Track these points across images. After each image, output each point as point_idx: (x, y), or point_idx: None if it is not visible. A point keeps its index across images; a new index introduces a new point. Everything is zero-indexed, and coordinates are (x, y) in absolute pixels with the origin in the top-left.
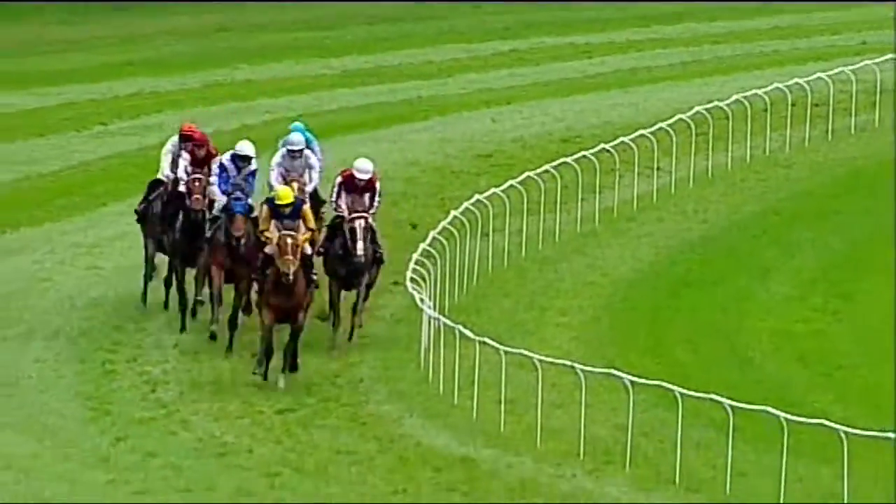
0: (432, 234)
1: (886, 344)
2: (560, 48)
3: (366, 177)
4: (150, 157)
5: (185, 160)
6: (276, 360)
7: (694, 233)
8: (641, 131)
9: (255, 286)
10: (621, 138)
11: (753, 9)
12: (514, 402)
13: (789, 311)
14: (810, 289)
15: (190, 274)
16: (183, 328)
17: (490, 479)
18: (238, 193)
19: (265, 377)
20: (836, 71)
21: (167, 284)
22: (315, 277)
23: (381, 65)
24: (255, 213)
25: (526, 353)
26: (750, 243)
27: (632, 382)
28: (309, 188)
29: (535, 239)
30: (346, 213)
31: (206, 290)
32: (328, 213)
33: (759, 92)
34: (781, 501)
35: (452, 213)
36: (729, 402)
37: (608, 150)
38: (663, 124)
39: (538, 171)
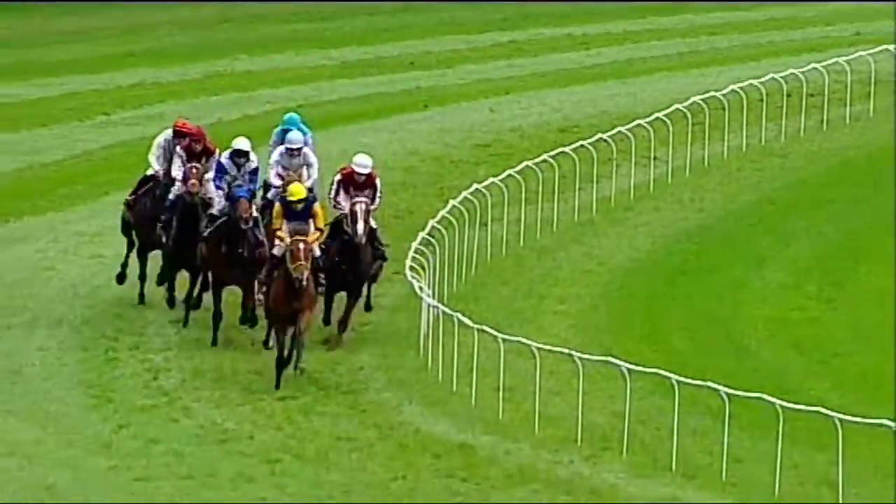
0: (431, 223)
1: (881, 331)
2: (558, 39)
3: (365, 171)
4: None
5: (179, 156)
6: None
7: (690, 222)
8: (638, 121)
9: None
10: (618, 128)
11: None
12: (512, 390)
13: (785, 299)
14: (805, 277)
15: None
16: (185, 323)
17: (488, 466)
18: (240, 182)
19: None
20: (830, 61)
21: (162, 283)
22: (322, 281)
23: (381, 55)
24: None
25: (524, 340)
26: (746, 232)
27: (629, 370)
28: (307, 185)
29: (533, 228)
30: (346, 210)
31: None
32: (326, 211)
33: (755, 82)
34: (777, 488)
35: (451, 202)
36: (725, 389)
37: (605, 140)
38: (660, 114)
39: (536, 160)
